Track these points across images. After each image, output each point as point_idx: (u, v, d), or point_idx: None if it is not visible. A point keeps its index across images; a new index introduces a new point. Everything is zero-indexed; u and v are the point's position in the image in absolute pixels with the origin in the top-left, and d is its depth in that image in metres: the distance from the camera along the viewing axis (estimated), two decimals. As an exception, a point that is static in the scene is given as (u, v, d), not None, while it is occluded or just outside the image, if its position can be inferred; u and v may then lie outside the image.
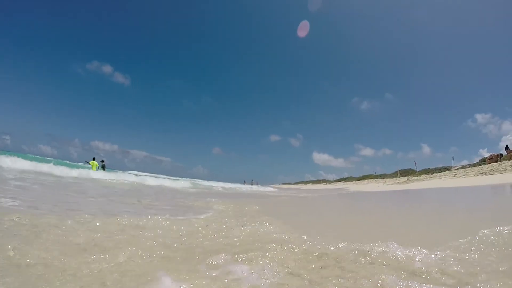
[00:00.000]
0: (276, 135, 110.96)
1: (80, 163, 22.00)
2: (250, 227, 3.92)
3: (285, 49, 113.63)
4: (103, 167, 23.28)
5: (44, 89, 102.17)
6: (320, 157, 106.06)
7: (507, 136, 53.54)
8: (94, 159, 22.50)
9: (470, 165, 38.07)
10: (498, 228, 2.73)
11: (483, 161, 37.52)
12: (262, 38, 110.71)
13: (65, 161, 35.21)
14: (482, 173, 24.83)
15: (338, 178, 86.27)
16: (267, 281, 1.92)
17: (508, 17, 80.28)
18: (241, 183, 57.22)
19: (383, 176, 58.90)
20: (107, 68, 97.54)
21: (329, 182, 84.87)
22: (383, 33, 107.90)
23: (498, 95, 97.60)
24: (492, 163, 31.20)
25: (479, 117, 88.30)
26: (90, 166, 21.84)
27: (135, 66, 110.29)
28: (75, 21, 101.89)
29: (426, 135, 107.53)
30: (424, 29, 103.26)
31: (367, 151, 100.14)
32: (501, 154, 35.24)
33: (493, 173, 23.13)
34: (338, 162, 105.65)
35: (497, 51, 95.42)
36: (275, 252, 2.50)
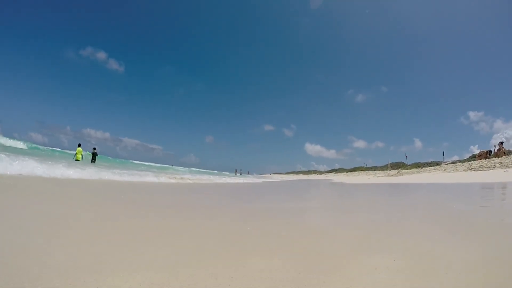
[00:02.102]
0: (270, 125, 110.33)
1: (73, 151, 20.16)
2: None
3: (281, 39, 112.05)
4: (94, 156, 21.55)
5: (35, 76, 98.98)
6: (312, 148, 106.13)
7: (498, 134, 53.85)
8: (79, 145, 19.99)
9: (460, 161, 38.29)
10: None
11: (473, 157, 37.74)
12: (258, 28, 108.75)
13: (56, 149, 33.85)
14: (471, 168, 24.82)
15: (330, 169, 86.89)
16: None
17: (504, 17, 79.74)
18: (232, 171, 56.75)
19: (374, 168, 59.29)
20: (102, 55, 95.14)
21: (320, 173, 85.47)
22: (381, 27, 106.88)
23: (491, 94, 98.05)
24: (482, 160, 31.31)
25: (472, 114, 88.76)
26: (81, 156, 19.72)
27: (130, 53, 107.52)
28: (69, 6, 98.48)
29: (419, 130, 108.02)
30: (421, 25, 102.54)
31: (360, 143, 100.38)
32: (490, 151, 35.43)
33: (482, 169, 23.12)
34: (330, 154, 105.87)
35: (492, 51, 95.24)
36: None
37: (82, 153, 19.91)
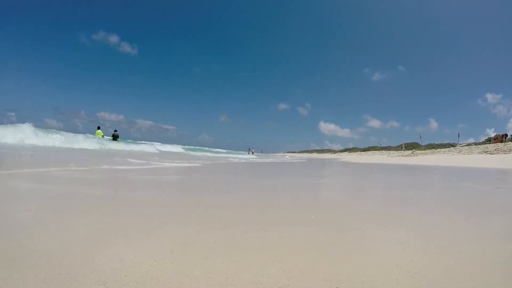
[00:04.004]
0: (285, 104, 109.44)
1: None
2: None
3: (297, 17, 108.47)
4: (115, 138, 21.57)
5: (48, 62, 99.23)
6: (326, 127, 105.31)
7: (516, 117, 52.01)
8: (99, 128, 20.45)
9: (476, 144, 37.52)
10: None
11: (489, 140, 36.86)
12: (274, 5, 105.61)
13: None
14: (486, 151, 24.43)
15: (343, 148, 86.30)
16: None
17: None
18: (245, 151, 57.00)
19: (388, 148, 58.60)
20: (114, 38, 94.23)
21: (334, 152, 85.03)
22: (400, 5, 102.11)
23: (511, 77, 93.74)
24: (497, 143, 30.64)
25: (490, 96, 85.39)
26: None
27: (143, 35, 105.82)
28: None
29: (435, 110, 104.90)
30: (441, 4, 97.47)
31: (375, 123, 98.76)
32: (506, 135, 34.55)
33: (498, 153, 22.75)
34: (345, 132, 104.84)
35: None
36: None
37: (102, 136, 20.04)
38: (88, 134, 18.30)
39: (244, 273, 1.28)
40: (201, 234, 1.83)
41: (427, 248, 1.68)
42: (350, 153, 64.96)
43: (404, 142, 52.09)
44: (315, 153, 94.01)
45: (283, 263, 1.40)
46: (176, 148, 27.92)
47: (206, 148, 47.55)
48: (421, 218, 2.54)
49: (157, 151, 18.91)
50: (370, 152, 55.57)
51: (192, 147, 42.17)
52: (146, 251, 1.49)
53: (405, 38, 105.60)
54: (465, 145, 37.00)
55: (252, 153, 52.96)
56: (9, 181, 3.80)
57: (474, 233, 2.08)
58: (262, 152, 67.35)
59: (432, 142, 50.52)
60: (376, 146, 65.79)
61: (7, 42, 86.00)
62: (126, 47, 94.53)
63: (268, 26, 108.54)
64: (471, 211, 3.01)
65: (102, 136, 20.02)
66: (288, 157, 44.43)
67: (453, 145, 40.99)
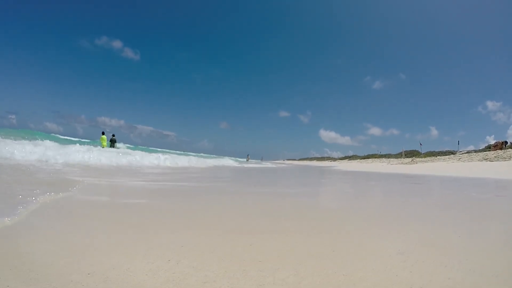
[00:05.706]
0: (285, 111, 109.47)
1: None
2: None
3: (297, 24, 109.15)
4: (113, 143, 21.67)
5: (49, 65, 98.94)
6: (327, 134, 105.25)
7: (516, 125, 52.10)
8: (103, 133, 20.83)
9: (476, 151, 37.47)
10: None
11: (489, 147, 36.87)
12: (274, 12, 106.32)
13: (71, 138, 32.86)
14: (486, 159, 24.39)
15: (343, 156, 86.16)
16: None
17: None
18: (245, 157, 56.91)
19: (388, 156, 58.47)
20: (117, 44, 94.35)
21: (334, 159, 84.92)
22: (401, 12, 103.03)
23: (511, 84, 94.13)
24: (497, 150, 30.62)
25: (490, 104, 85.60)
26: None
27: (146, 41, 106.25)
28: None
29: (435, 118, 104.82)
30: (442, 12, 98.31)
31: (375, 131, 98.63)
32: (506, 142, 34.58)
33: (498, 160, 22.71)
34: (345, 140, 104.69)
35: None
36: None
37: (106, 141, 20.22)
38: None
39: (240, 283, 1.26)
40: (199, 242, 1.81)
41: (427, 259, 1.64)
42: (350, 161, 64.85)
43: (404, 150, 52.00)
44: (315, 160, 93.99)
45: (280, 273, 1.38)
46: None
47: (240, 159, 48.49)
48: (421, 228, 2.50)
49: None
50: (370, 160, 55.47)
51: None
52: (142, 260, 1.47)
53: (406, 46, 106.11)
54: (465, 153, 36.95)
55: (248, 160, 52.93)
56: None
57: (476, 243, 2.04)
58: (262, 159, 67.25)
59: (432, 150, 50.41)
60: (376, 154, 65.64)
61: (9, 45, 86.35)
62: (129, 53, 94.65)
63: (268, 33, 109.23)
64: (472, 220, 2.97)
65: (106, 142, 20.21)
66: (285, 165, 44.58)
67: (453, 153, 40.94)
